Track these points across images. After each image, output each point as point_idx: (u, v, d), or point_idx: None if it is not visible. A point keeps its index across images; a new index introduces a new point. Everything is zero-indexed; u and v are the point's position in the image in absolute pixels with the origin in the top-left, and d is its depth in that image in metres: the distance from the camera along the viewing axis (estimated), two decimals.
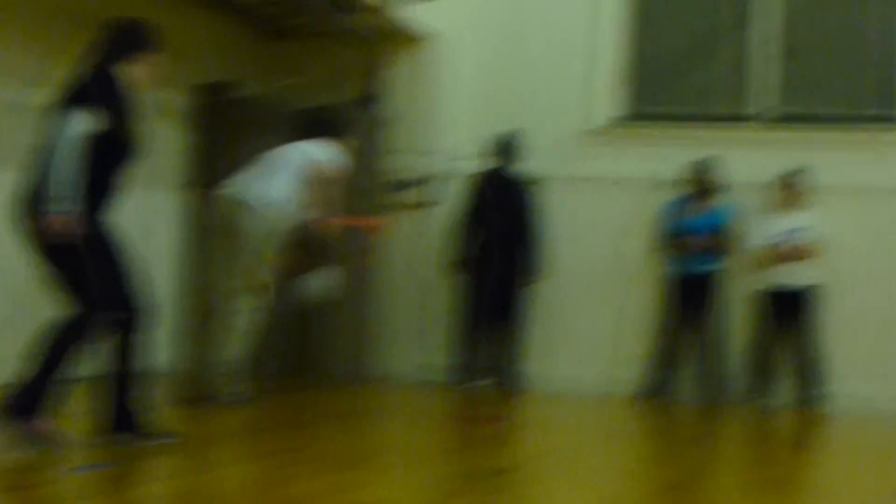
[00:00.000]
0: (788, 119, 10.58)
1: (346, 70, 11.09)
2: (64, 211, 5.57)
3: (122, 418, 5.94)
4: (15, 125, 7.88)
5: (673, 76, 11.02)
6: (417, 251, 10.84)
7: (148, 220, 9.78)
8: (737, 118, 10.70)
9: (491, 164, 10.52)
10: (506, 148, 10.51)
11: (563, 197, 10.69)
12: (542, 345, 10.55)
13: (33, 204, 5.70)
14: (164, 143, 10.00)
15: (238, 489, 5.25)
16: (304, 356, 10.40)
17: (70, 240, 5.61)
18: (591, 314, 10.67)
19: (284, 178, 8.33)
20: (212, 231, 8.67)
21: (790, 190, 10.12)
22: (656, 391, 10.22)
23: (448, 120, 10.94)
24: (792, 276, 9.98)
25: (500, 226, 10.33)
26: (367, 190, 10.57)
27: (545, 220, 10.51)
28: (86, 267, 5.71)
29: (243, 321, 8.19)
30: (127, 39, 6.05)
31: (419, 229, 10.85)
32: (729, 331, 10.28)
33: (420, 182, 10.77)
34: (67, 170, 5.60)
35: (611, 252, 10.62)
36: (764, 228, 10.13)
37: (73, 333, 5.72)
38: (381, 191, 10.76)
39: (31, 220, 5.71)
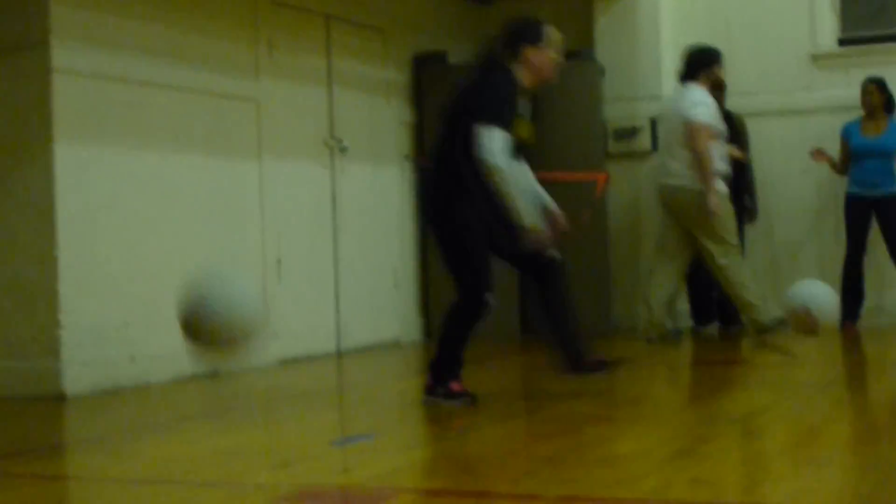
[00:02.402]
0: None
1: (557, 25, 11.12)
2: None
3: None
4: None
5: None
6: (641, 199, 10.84)
7: (377, 192, 10.04)
8: None
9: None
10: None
11: (782, 131, 10.60)
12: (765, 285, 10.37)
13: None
14: (388, 117, 10.24)
15: (489, 452, 5.38)
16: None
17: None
18: (803, 250, 10.61)
19: (676, 147, 9.20)
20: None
21: None
22: (845, 317, 9.83)
23: (662, 63, 10.88)
24: None
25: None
26: (588, 140, 10.65)
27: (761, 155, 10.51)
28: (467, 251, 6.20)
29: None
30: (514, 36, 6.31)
31: (641, 177, 10.84)
32: None
33: (638, 130, 10.76)
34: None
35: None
36: None
37: (464, 313, 6.23)
38: (602, 140, 10.81)
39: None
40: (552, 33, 6.32)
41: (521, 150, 6.34)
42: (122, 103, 7.66)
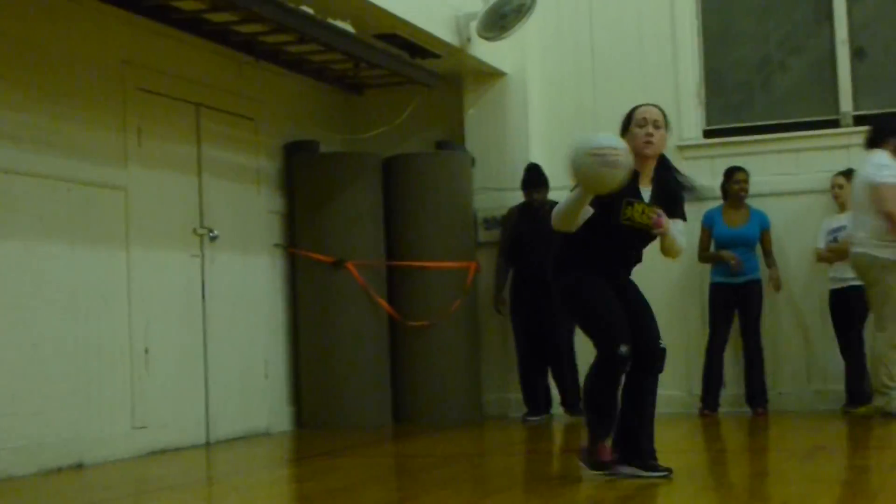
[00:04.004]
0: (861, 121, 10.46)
1: (427, 115, 11.24)
2: None
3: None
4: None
5: (751, 87, 11.03)
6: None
7: (247, 281, 9.97)
8: (818, 124, 10.66)
9: (522, 197, 10.52)
10: (529, 179, 10.43)
11: None
12: None
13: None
14: (258, 205, 10.19)
15: None
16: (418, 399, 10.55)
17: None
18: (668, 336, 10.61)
19: (861, 215, 9.16)
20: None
21: (840, 190, 10.07)
22: (705, 405, 10.19)
23: (531, 154, 11.00)
24: (845, 274, 9.86)
25: (535, 257, 9.75)
26: (459, 229, 10.71)
27: None
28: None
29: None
30: None
31: None
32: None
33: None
34: None
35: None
36: (823, 229, 10.14)
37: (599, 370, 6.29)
38: (472, 230, 10.87)
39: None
40: (636, 113, 6.36)
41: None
42: None
